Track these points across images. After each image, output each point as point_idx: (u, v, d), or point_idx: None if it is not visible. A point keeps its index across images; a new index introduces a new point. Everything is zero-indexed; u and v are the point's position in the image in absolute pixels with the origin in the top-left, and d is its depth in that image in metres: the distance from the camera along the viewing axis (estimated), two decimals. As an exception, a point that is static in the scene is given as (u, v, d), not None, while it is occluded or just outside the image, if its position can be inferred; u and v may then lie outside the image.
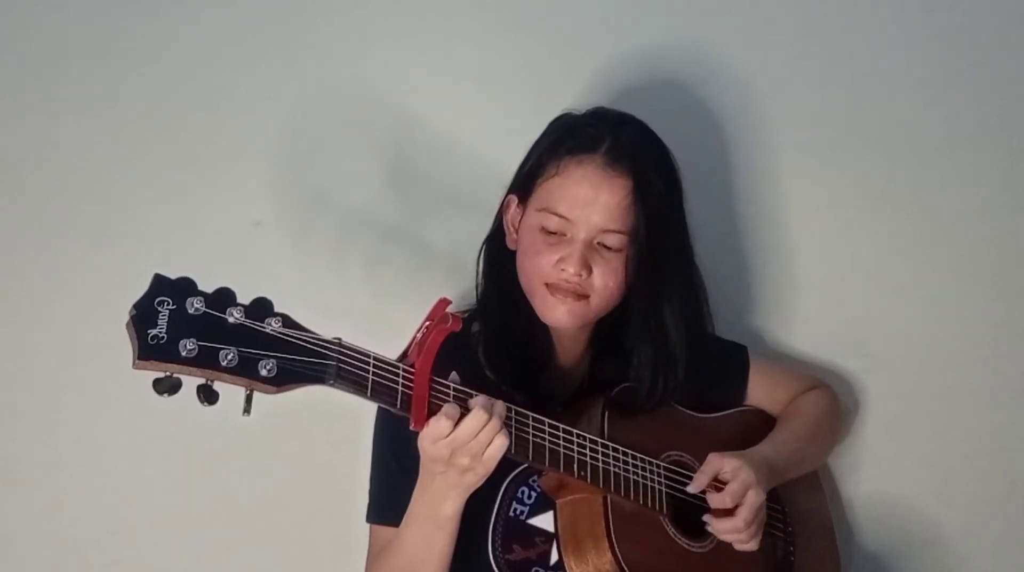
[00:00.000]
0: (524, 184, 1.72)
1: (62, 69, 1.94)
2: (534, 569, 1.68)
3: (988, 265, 2.11)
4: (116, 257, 1.93)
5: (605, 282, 1.67)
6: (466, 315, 1.77)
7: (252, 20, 1.98)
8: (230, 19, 1.97)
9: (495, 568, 1.67)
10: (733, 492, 1.66)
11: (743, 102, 2.07)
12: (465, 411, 1.44)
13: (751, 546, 1.68)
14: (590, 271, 1.66)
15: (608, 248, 1.67)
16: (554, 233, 1.66)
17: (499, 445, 1.46)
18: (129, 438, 1.93)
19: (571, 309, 1.68)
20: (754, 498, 1.66)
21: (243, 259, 1.95)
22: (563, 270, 1.65)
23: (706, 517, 1.69)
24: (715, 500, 1.67)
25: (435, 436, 1.43)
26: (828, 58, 2.09)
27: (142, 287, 1.28)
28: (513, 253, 1.74)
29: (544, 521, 1.68)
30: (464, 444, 1.44)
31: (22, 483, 1.93)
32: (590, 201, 1.65)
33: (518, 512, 1.68)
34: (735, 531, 1.67)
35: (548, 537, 1.67)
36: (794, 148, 2.08)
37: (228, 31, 1.98)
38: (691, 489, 1.68)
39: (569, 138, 1.69)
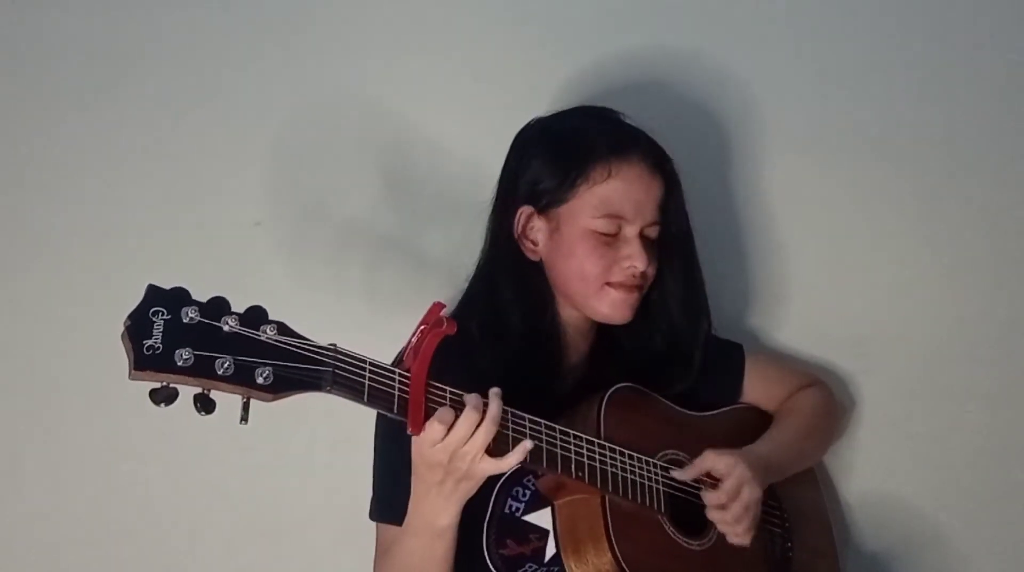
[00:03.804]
0: (551, 196, 1.71)
1: (62, 70, 1.95)
2: (528, 565, 1.68)
3: (988, 265, 2.11)
4: (116, 257, 1.94)
5: (654, 271, 1.74)
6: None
7: (251, 21, 1.98)
8: (229, 20, 1.97)
9: (488, 562, 1.67)
10: (728, 489, 1.66)
11: (741, 101, 2.07)
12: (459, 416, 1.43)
13: (743, 541, 1.68)
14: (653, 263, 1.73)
15: (650, 239, 1.73)
16: (606, 234, 1.69)
17: (485, 450, 1.45)
18: (129, 438, 1.93)
19: (632, 303, 1.73)
20: (748, 495, 1.66)
21: (243, 259, 1.95)
22: (631, 267, 1.70)
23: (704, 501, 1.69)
24: (710, 498, 1.67)
25: (431, 441, 1.43)
26: (824, 57, 2.09)
27: (142, 288, 1.27)
28: (532, 263, 1.74)
29: (538, 518, 1.67)
30: (459, 447, 1.44)
31: (22, 483, 1.94)
32: (643, 198, 1.71)
33: (513, 509, 1.68)
34: (723, 524, 1.67)
35: (543, 534, 1.67)
36: (793, 148, 2.08)
37: (227, 32, 1.98)
38: (681, 475, 1.68)
39: (592, 145, 1.70)
